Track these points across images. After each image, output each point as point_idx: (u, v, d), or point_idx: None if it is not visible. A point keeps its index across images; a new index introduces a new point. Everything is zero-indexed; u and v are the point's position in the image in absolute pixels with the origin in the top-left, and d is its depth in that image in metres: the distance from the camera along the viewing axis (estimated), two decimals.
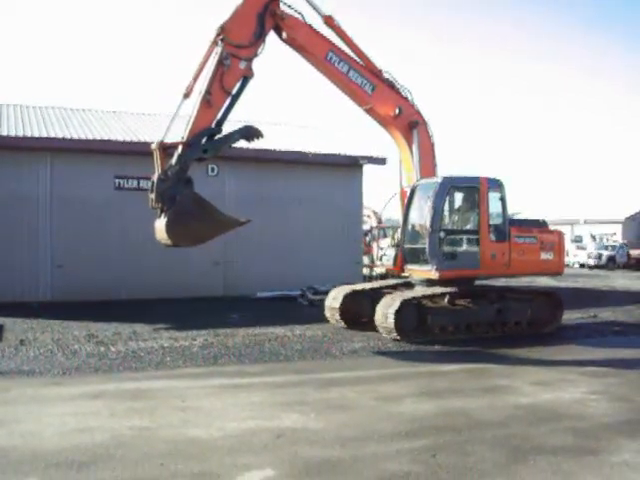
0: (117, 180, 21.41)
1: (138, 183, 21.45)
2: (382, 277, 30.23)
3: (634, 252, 53.43)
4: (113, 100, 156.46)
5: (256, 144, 22.90)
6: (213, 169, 22.15)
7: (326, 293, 20.35)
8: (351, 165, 24.14)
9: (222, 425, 7.87)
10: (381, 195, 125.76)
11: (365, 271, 28.49)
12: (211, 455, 6.80)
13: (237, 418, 8.19)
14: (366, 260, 29.96)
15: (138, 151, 21.26)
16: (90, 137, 21.34)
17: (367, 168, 25.09)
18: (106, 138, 21.57)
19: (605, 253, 50.42)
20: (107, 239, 21.09)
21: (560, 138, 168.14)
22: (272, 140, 24.58)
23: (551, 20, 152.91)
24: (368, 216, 34.23)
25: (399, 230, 16.11)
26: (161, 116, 27.18)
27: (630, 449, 7.24)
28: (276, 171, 22.73)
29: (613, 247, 52.38)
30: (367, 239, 32.15)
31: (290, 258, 22.33)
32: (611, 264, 49.65)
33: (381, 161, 24.73)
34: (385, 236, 33.42)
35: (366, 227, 32.31)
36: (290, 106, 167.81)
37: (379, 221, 36.10)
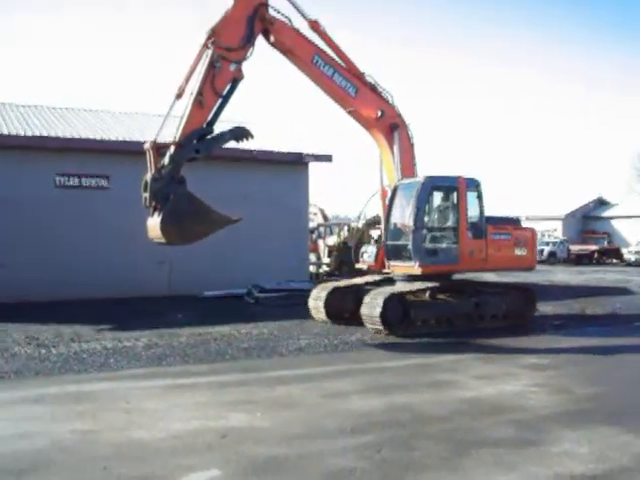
0: (58, 178, 20.99)
1: (80, 181, 21.12)
2: (328, 274, 30.44)
3: (574, 248, 54.71)
4: (106, 100, 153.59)
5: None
6: None
7: (272, 291, 20.43)
8: (297, 162, 24.14)
9: (166, 426, 7.79)
10: (327, 192, 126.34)
11: (312, 269, 28.56)
12: (155, 457, 6.72)
13: (182, 419, 8.12)
14: (313, 258, 30.05)
15: (80, 148, 20.98)
16: (29, 134, 20.87)
17: (313, 165, 25.16)
18: (45, 134, 21.11)
19: (546, 249, 51.47)
20: (48, 238, 20.65)
21: (514, 138, 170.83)
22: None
23: (511, 23, 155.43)
24: (314, 213, 34.30)
25: (381, 227, 16.83)
26: (113, 114, 26.93)
27: (570, 439, 7.39)
28: (221, 168, 22.51)
29: (554, 243, 53.59)
30: (313, 237, 32.23)
31: (236, 256, 22.19)
32: (552, 259, 50.77)
33: (327, 158, 24.81)
34: (331, 233, 33.55)
35: (312, 225, 32.35)
36: (235, 102, 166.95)
37: (325, 218, 36.21)
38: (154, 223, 12.71)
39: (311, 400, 9.16)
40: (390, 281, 16.28)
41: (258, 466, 6.48)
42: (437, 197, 16.39)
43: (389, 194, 16.38)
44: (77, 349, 12.72)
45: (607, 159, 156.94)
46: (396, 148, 16.11)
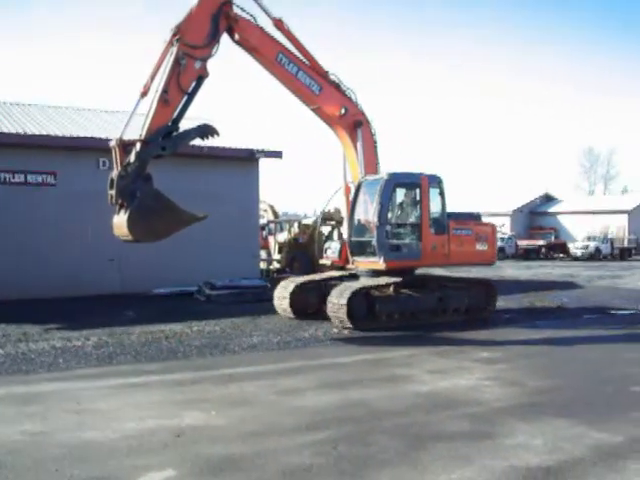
0: (2, 175, 20.48)
1: (25, 177, 20.66)
2: (279, 271, 30.36)
3: (522, 243, 55.64)
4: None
5: None
6: (104, 163, 21.42)
7: (224, 288, 20.27)
8: (247, 158, 23.97)
9: (120, 426, 7.65)
10: (276, 189, 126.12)
11: (262, 265, 28.43)
12: (109, 458, 6.59)
13: (135, 418, 7.98)
14: (263, 254, 29.92)
15: (25, 144, 20.50)
16: None
17: (263, 162, 25.02)
18: None
19: None
20: None
21: (463, 135, 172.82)
22: None
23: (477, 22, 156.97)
24: (265, 210, 34.12)
25: (344, 224, 17.14)
26: (66, 109, 26.38)
27: (524, 431, 7.48)
28: (170, 164, 22.15)
29: (502, 238, 54.33)
30: (264, 233, 32.08)
31: (187, 253, 21.93)
32: (501, 254, 51.40)
33: (277, 154, 24.70)
34: (282, 230, 33.44)
35: (263, 221, 32.21)
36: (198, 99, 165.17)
37: (275, 215, 36.08)
38: (120, 220, 12.66)
39: (265, 397, 9.10)
40: (354, 277, 16.48)
41: (214, 465, 6.40)
42: (400, 194, 16.58)
43: (352, 191, 16.54)
44: (25, 349, 12.43)
45: (554, 156, 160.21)
46: (359, 145, 16.30)
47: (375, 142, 16.75)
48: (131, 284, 21.38)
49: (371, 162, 16.52)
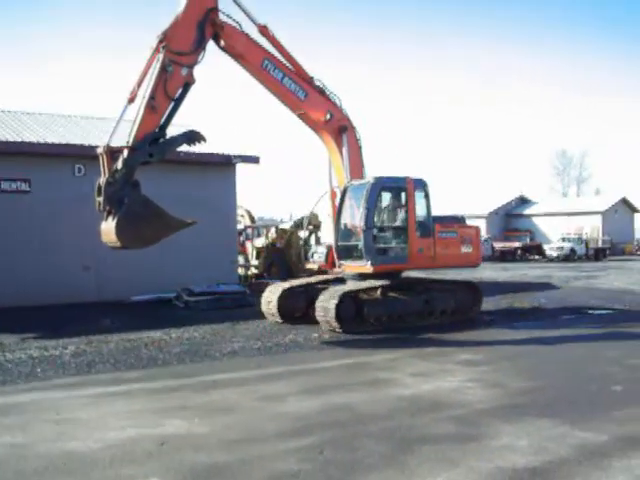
0: None
1: None
2: (257, 276, 30.25)
3: (498, 245, 55.95)
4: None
5: (124, 142, 22.42)
6: (80, 169, 21.26)
7: (202, 294, 20.14)
8: (224, 164, 23.86)
9: (101, 436, 7.53)
10: (255, 194, 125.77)
11: (240, 271, 28.30)
12: (91, 468, 6.49)
13: (117, 427, 7.87)
14: (241, 260, 29.79)
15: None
16: None
17: (240, 167, 24.93)
18: None
19: None
20: None
21: (439, 139, 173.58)
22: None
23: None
24: (242, 215, 34.01)
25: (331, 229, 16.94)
26: (40, 115, 26.05)
27: (508, 433, 7.48)
28: (146, 170, 22.03)
29: None
30: (241, 239, 31.95)
31: (164, 259, 21.72)
32: None
33: (254, 160, 24.61)
34: (259, 235, 33.34)
35: (240, 226, 32.08)
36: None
37: (252, 220, 35.97)
38: (108, 227, 12.68)
39: (248, 404, 9.02)
40: (340, 280, 16.60)
41: (199, 474, 6.32)
42: (386, 197, 16.68)
43: (338, 195, 16.64)
44: (1, 359, 12.22)
45: (528, 158, 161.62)
46: (345, 150, 16.40)
47: (360, 147, 16.89)
48: (108, 292, 21.17)
49: (357, 167, 16.62)
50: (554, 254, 53.67)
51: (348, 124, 16.58)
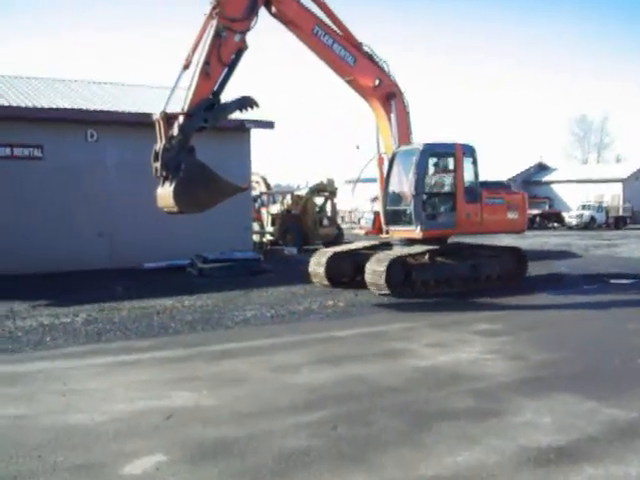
0: None
1: (11, 151, 20.12)
2: (272, 243, 29.99)
3: None
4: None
5: (138, 107, 22.06)
6: (92, 135, 20.97)
7: (216, 261, 19.87)
8: (238, 129, 23.38)
9: (108, 408, 7.27)
10: (271, 161, 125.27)
11: (255, 238, 28.03)
12: (95, 443, 6.22)
13: (124, 399, 7.60)
14: (256, 227, 29.51)
15: (10, 117, 19.92)
16: None
17: (255, 132, 24.50)
18: None
19: None
20: None
21: (458, 105, 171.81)
22: (154, 102, 23.59)
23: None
24: (257, 182, 33.67)
25: (379, 194, 17.18)
26: (52, 80, 25.68)
27: (531, 409, 7.14)
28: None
29: None
30: (256, 205, 31.63)
31: (178, 226, 21.31)
32: None
33: (269, 125, 24.13)
34: (274, 202, 33.02)
35: (255, 193, 31.75)
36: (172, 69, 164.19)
37: (268, 187, 35.63)
38: (165, 192, 12.80)
39: (259, 375, 8.74)
40: (387, 245, 16.85)
41: (206, 449, 6.04)
42: (434, 163, 16.77)
43: (386, 161, 16.74)
44: (11, 327, 12.02)
45: (546, 124, 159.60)
46: (393, 116, 16.49)
47: (408, 113, 16.90)
48: (121, 259, 20.93)
49: (405, 133, 16.67)
50: (574, 222, 52.94)
51: (396, 90, 16.63)
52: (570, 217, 54.00)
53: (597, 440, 6.22)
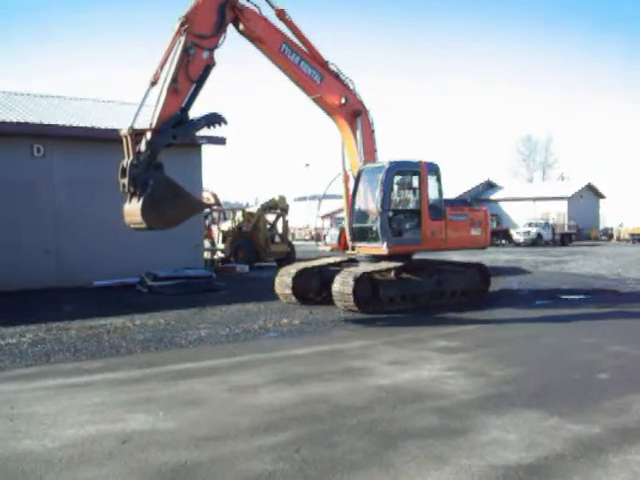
0: None
1: None
2: (223, 261, 29.63)
3: None
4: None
5: (87, 122, 21.63)
6: (39, 149, 20.44)
7: (167, 279, 19.51)
8: (189, 145, 23.10)
9: (58, 433, 6.93)
10: (221, 177, 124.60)
11: (206, 255, 27.67)
12: (47, 471, 5.89)
13: (75, 424, 7.27)
14: (206, 244, 29.14)
15: None
16: None
17: (206, 148, 24.24)
18: None
19: None
20: None
21: (408, 122, 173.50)
22: (103, 117, 23.17)
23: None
24: (208, 198, 33.29)
25: (344, 211, 17.54)
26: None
27: (496, 426, 7.04)
28: (108, 150, 21.05)
29: None
30: (206, 222, 31.27)
31: (128, 243, 20.91)
32: None
33: (221, 141, 23.92)
34: (225, 219, 32.71)
35: (206, 210, 31.38)
36: (123, 83, 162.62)
37: (218, 203, 35.28)
38: (133, 208, 12.67)
39: (217, 396, 8.48)
40: (353, 262, 17.01)
41: (166, 475, 5.77)
42: (400, 181, 17.11)
43: (352, 178, 16.95)
44: None
45: (493, 144, 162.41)
46: (359, 134, 16.75)
47: (373, 131, 17.15)
48: (69, 276, 20.41)
49: (370, 150, 16.96)
50: (521, 239, 53.70)
51: (362, 108, 16.88)
52: (518, 234, 54.76)
53: (564, 457, 6.14)
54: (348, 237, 16.75)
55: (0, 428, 7.17)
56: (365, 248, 16.43)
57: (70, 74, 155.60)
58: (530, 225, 56.67)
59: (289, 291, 16.48)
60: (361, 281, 14.92)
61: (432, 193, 16.62)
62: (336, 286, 15.03)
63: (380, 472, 5.81)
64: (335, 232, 17.48)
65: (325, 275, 16.66)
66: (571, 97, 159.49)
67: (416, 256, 17.26)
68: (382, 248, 15.65)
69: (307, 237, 67.32)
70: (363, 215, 16.64)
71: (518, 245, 52.61)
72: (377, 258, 16.19)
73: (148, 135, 12.77)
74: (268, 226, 31.51)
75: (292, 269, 16.95)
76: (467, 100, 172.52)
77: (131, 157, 12.67)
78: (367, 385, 8.88)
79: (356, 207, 16.73)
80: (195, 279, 20.28)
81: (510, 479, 5.63)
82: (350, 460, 6.10)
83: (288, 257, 30.08)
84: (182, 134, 13.34)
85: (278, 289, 16.90)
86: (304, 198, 78.98)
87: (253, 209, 32.13)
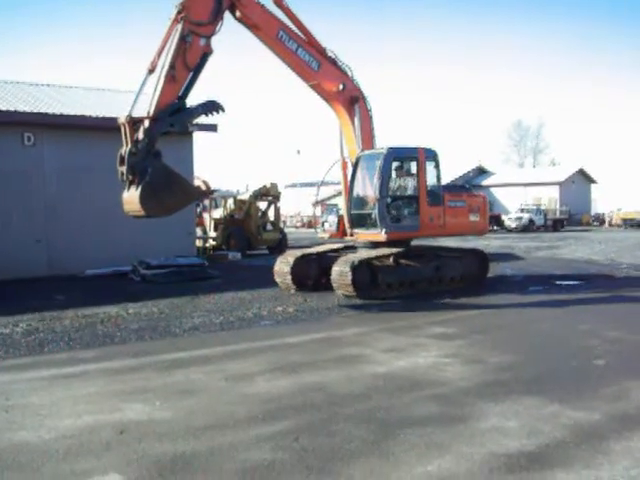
0: None
1: None
2: (215, 249, 29.52)
3: None
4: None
5: (77, 110, 21.46)
6: (29, 138, 20.24)
7: (160, 267, 19.40)
8: (181, 132, 22.94)
9: (54, 424, 6.86)
10: (213, 164, 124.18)
11: (198, 243, 27.56)
12: (43, 462, 5.82)
13: (72, 414, 7.19)
14: (198, 232, 29.03)
15: None
16: None
17: (197, 135, 24.09)
18: None
19: None
20: None
21: (399, 107, 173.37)
22: (95, 106, 22.98)
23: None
24: (199, 186, 33.14)
25: (341, 198, 17.55)
26: None
27: (495, 413, 7.01)
28: (100, 139, 20.98)
29: None
30: (198, 210, 31.14)
31: (119, 231, 20.81)
32: None
33: (212, 128, 23.73)
34: (217, 206, 32.59)
35: None
36: (113, 71, 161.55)
37: (210, 191, 35.12)
38: (131, 196, 12.67)
39: (213, 385, 8.42)
40: (351, 248, 17.02)
41: (164, 466, 5.70)
42: (398, 167, 16.97)
43: (350, 165, 17.00)
44: None
45: (485, 130, 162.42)
46: (357, 120, 16.73)
47: (371, 117, 17.13)
48: (61, 265, 20.26)
49: (368, 137, 16.90)
50: (513, 225, 53.76)
51: (360, 94, 16.85)
52: (509, 220, 54.81)
53: (565, 444, 6.10)
54: (346, 224, 16.76)
55: None
56: (363, 235, 16.44)
57: (64, 67, 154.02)
58: (522, 211, 56.76)
59: (289, 276, 16.45)
60: (360, 267, 14.92)
61: (430, 179, 16.60)
62: (335, 272, 15.03)
63: (380, 460, 5.77)
64: (334, 219, 17.43)
65: (324, 261, 16.74)
66: (562, 82, 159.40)
67: (414, 242, 17.20)
68: (380, 234, 15.68)
69: (298, 224, 67.10)
70: (361, 202, 16.71)
71: (510, 231, 52.64)
72: (375, 244, 16.20)
73: (146, 123, 12.73)
74: (260, 214, 31.42)
75: (290, 255, 16.96)
76: (458, 86, 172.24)
77: (129, 145, 12.65)
78: (363, 373, 8.84)
79: (354, 194, 16.78)
80: (188, 267, 20.17)
81: (512, 467, 5.59)
82: (349, 449, 6.05)
83: (280, 245, 30.00)
84: (180, 122, 13.39)
85: (277, 274, 16.87)
86: (295, 185, 78.72)
87: (244, 196, 32.01)
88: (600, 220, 69.24)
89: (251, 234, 29.94)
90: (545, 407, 7.19)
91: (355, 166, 16.74)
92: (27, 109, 20.62)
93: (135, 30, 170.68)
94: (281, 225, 35.04)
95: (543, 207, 61.01)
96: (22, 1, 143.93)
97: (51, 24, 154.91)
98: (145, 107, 12.81)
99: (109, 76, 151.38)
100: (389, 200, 16.02)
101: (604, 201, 75.83)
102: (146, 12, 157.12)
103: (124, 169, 12.63)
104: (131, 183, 12.70)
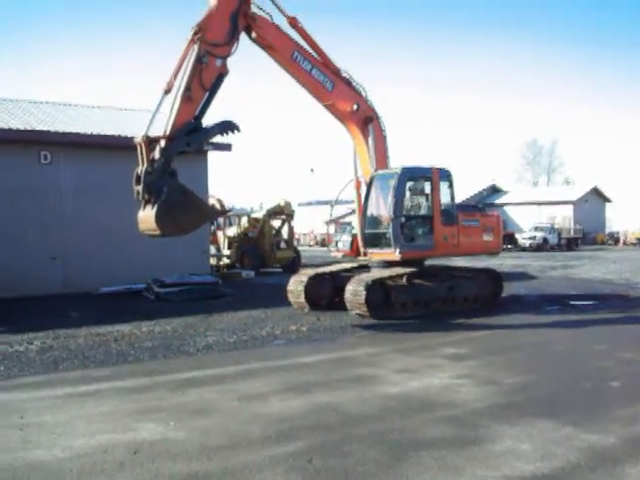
0: None
1: None
2: (229, 267, 29.57)
3: None
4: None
5: (93, 129, 21.67)
6: (46, 156, 20.47)
7: (174, 286, 19.46)
8: (195, 152, 23.05)
9: (69, 443, 6.89)
10: (226, 183, 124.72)
11: (212, 261, 27.64)
12: None
13: (86, 433, 7.23)
14: (212, 250, 29.11)
15: None
16: None
17: (212, 154, 24.21)
18: None
19: None
20: None
21: (414, 125, 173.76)
22: (110, 124, 23.19)
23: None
24: (213, 205, 33.26)
25: (355, 217, 17.71)
26: (3, 100, 25.09)
27: (510, 436, 6.97)
28: (115, 157, 21.17)
29: None
30: (212, 228, 31.24)
31: (135, 249, 20.90)
32: None
33: (226, 147, 23.89)
34: (231, 225, 32.68)
35: None
36: (130, 90, 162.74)
37: (224, 210, 35.23)
38: (147, 215, 12.75)
39: (227, 404, 8.43)
40: (366, 268, 16.94)
41: None
42: (412, 187, 16.94)
43: (363, 185, 16.96)
44: None
45: (498, 149, 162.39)
46: (370, 140, 16.72)
47: (385, 137, 17.19)
48: (75, 283, 20.39)
49: (382, 157, 16.95)
50: (527, 243, 53.60)
51: (374, 114, 16.87)
52: (523, 238, 54.66)
53: (580, 467, 6.07)
54: (360, 243, 16.75)
55: (10, 438, 7.13)
56: (377, 254, 16.42)
57: (78, 83, 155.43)
58: (536, 229, 56.57)
59: (302, 295, 16.47)
60: (373, 286, 14.90)
61: (444, 199, 16.63)
62: (349, 291, 15.00)
63: None
64: (347, 238, 17.50)
65: (338, 281, 16.74)
66: (576, 101, 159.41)
67: (428, 262, 17.18)
68: (395, 254, 15.65)
69: (312, 243, 67.17)
70: (375, 221, 16.71)
71: (524, 250, 52.47)
72: (389, 264, 16.17)
73: (162, 143, 12.84)
74: (274, 232, 31.49)
75: (304, 275, 16.99)
76: (472, 105, 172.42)
77: (145, 164, 12.76)
78: (376, 394, 8.82)
79: (368, 213, 16.78)
80: (201, 285, 20.22)
81: None
82: (362, 471, 6.03)
83: (294, 263, 30.06)
84: (196, 142, 13.46)
85: (291, 293, 16.87)
86: (309, 203, 78.82)
87: (258, 215, 32.11)
88: (615, 239, 68.94)
89: (265, 252, 30.00)
90: (559, 430, 7.14)
91: (369, 186, 16.75)
92: (44, 128, 20.84)
93: (139, 47, 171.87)
94: (294, 243, 35.10)
95: (557, 226, 60.80)
96: (22, 14, 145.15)
97: (52, 39, 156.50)
98: (161, 127, 12.91)
99: (110, 91, 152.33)
100: (403, 220, 15.99)
101: (619, 220, 75.57)
102: (146, 28, 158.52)
103: (140, 188, 12.72)
104: (147, 202, 12.77)
